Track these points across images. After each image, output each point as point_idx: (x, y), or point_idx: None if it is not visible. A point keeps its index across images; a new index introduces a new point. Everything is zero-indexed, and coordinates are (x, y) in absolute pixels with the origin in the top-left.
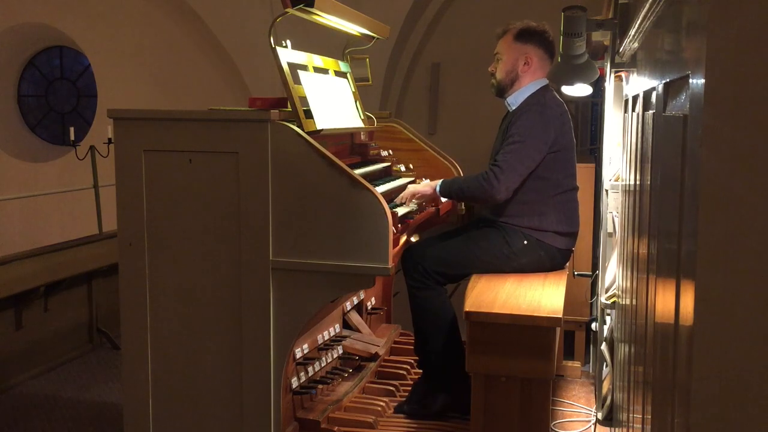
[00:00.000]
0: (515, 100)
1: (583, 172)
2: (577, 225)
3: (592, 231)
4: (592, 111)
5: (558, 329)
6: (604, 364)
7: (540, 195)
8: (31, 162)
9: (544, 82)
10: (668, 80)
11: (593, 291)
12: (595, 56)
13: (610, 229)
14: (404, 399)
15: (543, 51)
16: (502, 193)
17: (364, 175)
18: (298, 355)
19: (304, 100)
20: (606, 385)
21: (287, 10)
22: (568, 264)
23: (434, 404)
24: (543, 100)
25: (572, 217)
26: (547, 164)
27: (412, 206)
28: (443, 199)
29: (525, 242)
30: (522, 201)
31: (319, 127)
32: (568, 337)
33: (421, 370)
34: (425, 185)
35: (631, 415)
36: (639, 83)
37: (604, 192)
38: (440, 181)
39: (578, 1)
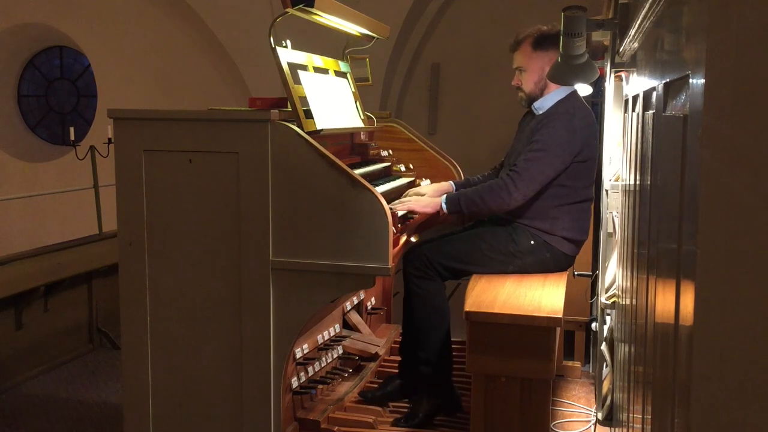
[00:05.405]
0: (542, 104)
1: None
2: (586, 234)
3: (593, 231)
4: (592, 111)
5: (558, 329)
6: (604, 364)
7: (556, 201)
8: (31, 162)
9: (573, 87)
10: (668, 80)
11: (593, 291)
12: (595, 56)
13: (610, 229)
14: (406, 409)
15: None
16: (519, 201)
17: (364, 175)
18: (298, 355)
19: (304, 100)
20: (606, 385)
21: (287, 10)
22: None
23: (421, 409)
24: (572, 108)
25: (583, 226)
26: (569, 173)
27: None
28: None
29: (532, 242)
30: (536, 204)
31: (319, 127)
32: (568, 337)
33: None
34: (427, 203)
35: (631, 415)
36: (639, 83)
37: (604, 192)
38: (444, 197)
39: (578, 1)
